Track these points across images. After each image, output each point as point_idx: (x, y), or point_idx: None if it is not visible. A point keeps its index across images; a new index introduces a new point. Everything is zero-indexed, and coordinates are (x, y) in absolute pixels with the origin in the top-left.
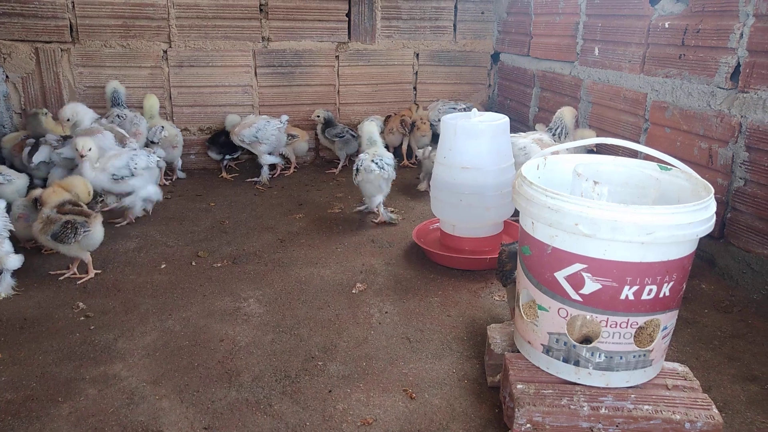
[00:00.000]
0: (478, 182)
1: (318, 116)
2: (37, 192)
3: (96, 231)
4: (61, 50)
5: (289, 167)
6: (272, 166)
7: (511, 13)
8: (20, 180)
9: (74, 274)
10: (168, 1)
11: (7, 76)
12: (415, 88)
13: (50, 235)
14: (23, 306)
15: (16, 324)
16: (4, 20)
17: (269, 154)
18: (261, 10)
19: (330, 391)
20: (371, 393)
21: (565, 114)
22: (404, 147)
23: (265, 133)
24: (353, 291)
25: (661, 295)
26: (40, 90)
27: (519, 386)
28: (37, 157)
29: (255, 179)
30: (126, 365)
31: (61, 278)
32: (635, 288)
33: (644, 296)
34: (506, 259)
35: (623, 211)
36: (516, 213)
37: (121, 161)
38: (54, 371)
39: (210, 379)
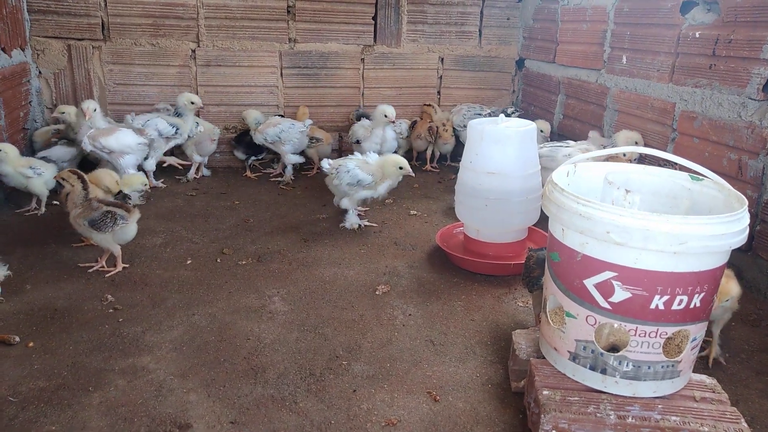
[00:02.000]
0: (503, 188)
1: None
2: (67, 188)
3: (132, 226)
4: (93, 47)
5: (312, 168)
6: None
7: (537, 20)
8: (49, 172)
9: (102, 267)
10: (197, 1)
11: (40, 72)
12: (439, 93)
13: (88, 221)
14: (53, 297)
15: (47, 314)
16: (38, 17)
17: (293, 153)
18: (288, 11)
19: (354, 391)
20: (395, 394)
21: (619, 138)
22: (428, 153)
23: (289, 135)
24: (377, 292)
25: (692, 305)
26: (71, 86)
27: (545, 392)
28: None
29: (278, 179)
30: (154, 358)
31: (90, 270)
32: (666, 298)
33: (674, 306)
34: (534, 265)
35: (656, 220)
36: (540, 220)
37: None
38: (84, 361)
39: (236, 375)
